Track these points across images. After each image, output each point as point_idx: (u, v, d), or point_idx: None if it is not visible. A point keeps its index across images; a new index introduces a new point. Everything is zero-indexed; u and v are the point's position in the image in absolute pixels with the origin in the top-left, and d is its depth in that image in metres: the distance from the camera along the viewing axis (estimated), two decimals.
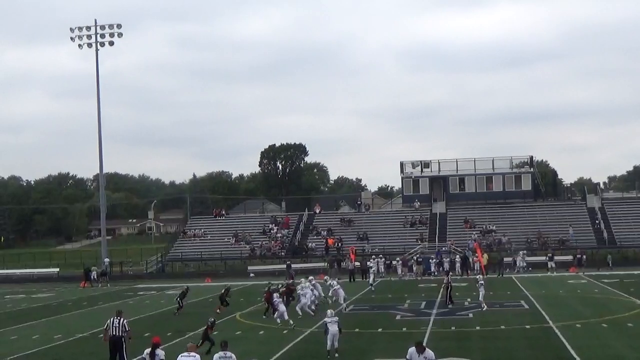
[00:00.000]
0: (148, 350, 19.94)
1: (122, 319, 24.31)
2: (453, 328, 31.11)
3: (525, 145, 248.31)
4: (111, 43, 78.57)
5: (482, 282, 38.25)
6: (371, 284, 49.94)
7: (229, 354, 19.18)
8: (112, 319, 24.38)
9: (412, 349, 18.60)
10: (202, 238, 79.14)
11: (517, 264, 61.96)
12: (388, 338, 28.16)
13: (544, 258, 62.86)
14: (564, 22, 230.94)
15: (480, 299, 37.16)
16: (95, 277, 67.95)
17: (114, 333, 23.98)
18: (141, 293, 55.26)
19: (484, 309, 35.95)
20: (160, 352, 19.82)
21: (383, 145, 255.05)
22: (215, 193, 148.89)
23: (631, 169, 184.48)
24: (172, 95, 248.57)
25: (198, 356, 18.98)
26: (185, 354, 19.05)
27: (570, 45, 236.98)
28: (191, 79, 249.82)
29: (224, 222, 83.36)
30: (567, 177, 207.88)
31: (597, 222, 72.62)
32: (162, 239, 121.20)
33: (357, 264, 61.99)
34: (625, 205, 77.64)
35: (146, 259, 79.23)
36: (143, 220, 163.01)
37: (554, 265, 60.72)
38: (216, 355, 19.00)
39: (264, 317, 35.94)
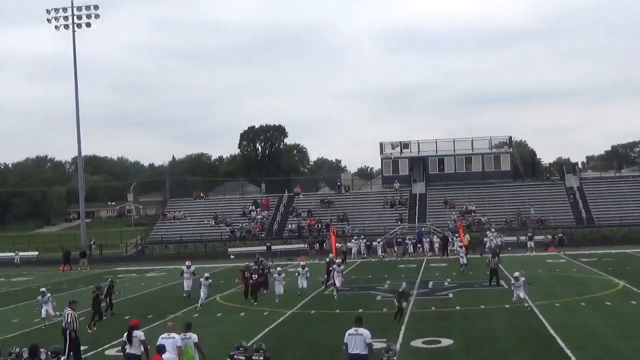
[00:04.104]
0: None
1: (66, 311, 23.71)
2: (433, 308, 31.30)
3: (504, 125, 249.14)
4: (88, 25, 78.12)
5: (523, 278, 30.67)
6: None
7: (189, 334, 19.24)
8: (64, 310, 24.04)
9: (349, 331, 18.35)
10: (182, 220, 79.07)
11: (487, 244, 60.77)
12: (369, 319, 28.20)
13: (523, 238, 63.25)
14: (543, 2, 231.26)
15: (518, 297, 30.09)
16: (19, 261, 69.51)
17: (62, 324, 23.71)
18: (121, 276, 55.01)
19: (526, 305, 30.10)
20: (138, 333, 19.66)
21: (362, 126, 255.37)
22: (195, 175, 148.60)
23: (609, 148, 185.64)
24: (150, 77, 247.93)
25: (178, 337, 18.90)
26: (165, 334, 19.02)
27: (549, 26, 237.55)
28: (170, 61, 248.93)
29: (203, 204, 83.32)
30: (546, 157, 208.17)
31: (575, 201, 73.08)
32: (142, 222, 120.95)
33: (339, 245, 62.00)
34: (604, 185, 78.13)
35: (126, 241, 79.04)
36: (122, 203, 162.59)
37: (532, 245, 61.09)
38: (177, 337, 18.93)
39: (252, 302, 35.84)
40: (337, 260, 39.57)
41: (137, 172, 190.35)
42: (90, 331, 28.06)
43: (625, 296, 33.06)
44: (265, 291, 37.53)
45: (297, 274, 38.15)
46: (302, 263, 40.69)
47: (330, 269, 37.99)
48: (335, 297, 35.27)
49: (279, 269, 37.65)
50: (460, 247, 51.32)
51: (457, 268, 48.13)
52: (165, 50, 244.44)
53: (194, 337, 19.24)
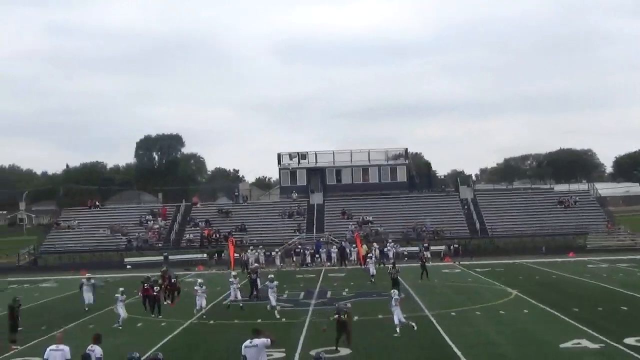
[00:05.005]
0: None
1: None
2: (332, 318, 31.37)
3: (400, 137, 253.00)
4: None
5: (398, 298, 28.20)
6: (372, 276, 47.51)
7: (94, 347, 18.17)
8: None
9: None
10: (77, 230, 77.51)
11: (389, 255, 61.29)
12: (267, 329, 28.21)
13: (416, 248, 63.87)
14: (438, 16, 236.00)
15: (399, 320, 27.30)
16: None
17: None
18: (13, 286, 53.71)
19: (414, 327, 27.35)
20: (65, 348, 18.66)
21: (260, 136, 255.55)
22: (90, 184, 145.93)
23: (502, 161, 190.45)
24: (44, 83, 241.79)
25: (67, 348, 18.17)
26: (54, 346, 18.24)
27: (445, 40, 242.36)
28: (63, 67, 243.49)
29: (98, 213, 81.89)
30: (441, 169, 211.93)
31: (469, 213, 74.60)
32: (35, 231, 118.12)
33: (237, 255, 61.70)
34: (496, 197, 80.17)
35: (18, 251, 76.94)
36: (14, 212, 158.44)
37: (429, 255, 61.93)
38: (67, 349, 18.07)
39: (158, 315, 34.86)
40: (270, 276, 36.35)
41: (29, 180, 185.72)
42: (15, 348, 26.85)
43: (517, 305, 33.91)
44: (171, 304, 36.96)
45: (231, 285, 36.40)
46: (233, 273, 39.01)
47: (266, 284, 35.73)
48: (277, 315, 32.87)
49: (200, 281, 35.66)
50: (370, 257, 51.45)
51: (354, 277, 48.72)
52: (58, 56, 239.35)
53: (97, 350, 18.15)
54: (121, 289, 33.46)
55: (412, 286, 42.60)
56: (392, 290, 29.47)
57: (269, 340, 18.24)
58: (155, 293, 35.14)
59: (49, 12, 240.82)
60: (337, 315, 25.02)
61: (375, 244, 62.86)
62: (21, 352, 26.22)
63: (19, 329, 28.60)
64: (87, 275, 38.38)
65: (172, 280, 38.29)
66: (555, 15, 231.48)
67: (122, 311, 32.02)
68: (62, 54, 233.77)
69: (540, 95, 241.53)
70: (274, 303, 33.94)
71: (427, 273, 46.83)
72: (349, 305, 27.23)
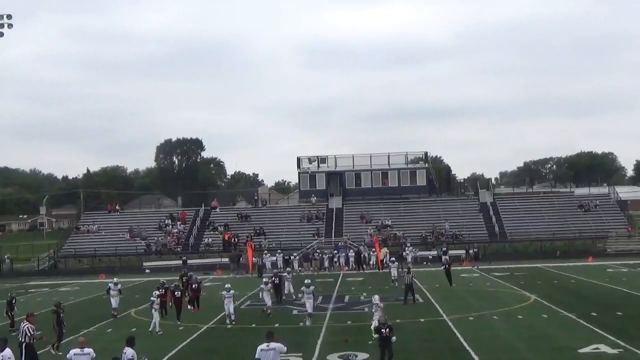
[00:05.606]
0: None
1: (24, 324, 23.22)
2: (349, 322, 31.41)
3: (420, 141, 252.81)
4: (1, 34, 76.40)
5: (380, 305, 27.19)
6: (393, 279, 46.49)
7: (125, 349, 18.41)
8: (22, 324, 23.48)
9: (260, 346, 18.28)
10: (96, 234, 77.75)
11: (407, 259, 60.88)
12: (285, 333, 28.14)
13: (436, 252, 63.73)
14: (458, 20, 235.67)
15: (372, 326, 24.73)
16: None
17: (19, 338, 23.02)
18: (32, 290, 53.97)
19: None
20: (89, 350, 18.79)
21: (280, 140, 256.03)
22: (110, 188, 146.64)
23: (521, 164, 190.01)
24: (65, 87, 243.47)
25: (91, 350, 18.34)
26: (78, 350, 18.36)
27: (464, 44, 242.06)
28: (84, 71, 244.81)
29: (118, 217, 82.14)
30: (460, 172, 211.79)
31: (489, 216, 74.31)
32: (55, 235, 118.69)
33: (255, 259, 61.66)
34: (516, 201, 79.78)
35: (38, 255, 77.32)
36: (35, 216, 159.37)
37: (447, 258, 61.77)
38: (92, 351, 18.37)
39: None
40: (307, 281, 34.30)
41: (50, 184, 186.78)
42: (54, 353, 26.82)
43: (536, 310, 33.75)
44: (192, 309, 36.99)
45: (262, 290, 35.72)
46: (264, 279, 38.07)
47: (302, 290, 34.08)
48: (309, 324, 31.41)
49: (227, 285, 34.58)
50: (392, 261, 51.11)
51: (372, 281, 48.66)
52: (79, 60, 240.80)
53: (129, 352, 18.29)
54: (156, 292, 33.43)
55: (430, 290, 42.53)
56: (373, 296, 28.63)
57: (284, 347, 18.31)
58: (177, 296, 35.14)
59: (73, 17, 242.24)
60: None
61: (385, 249, 62.44)
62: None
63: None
64: (115, 279, 38.34)
65: (194, 286, 38.28)
66: (582, 17, 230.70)
67: (156, 315, 31.67)
68: (84, 58, 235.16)
69: (562, 99, 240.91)
70: (310, 310, 32.39)
71: (450, 279, 46.20)
72: (366, 310, 27.06)
